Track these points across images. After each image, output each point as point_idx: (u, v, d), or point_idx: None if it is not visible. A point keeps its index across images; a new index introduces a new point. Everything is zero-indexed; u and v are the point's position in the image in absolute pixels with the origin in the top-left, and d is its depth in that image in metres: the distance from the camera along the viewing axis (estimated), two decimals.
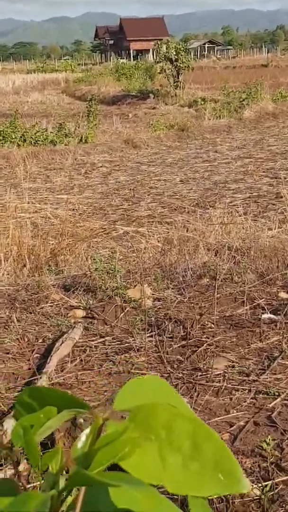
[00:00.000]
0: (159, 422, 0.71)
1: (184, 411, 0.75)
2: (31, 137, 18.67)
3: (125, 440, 0.68)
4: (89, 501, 0.77)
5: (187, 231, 8.25)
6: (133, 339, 5.09)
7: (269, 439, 3.53)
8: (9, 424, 3.58)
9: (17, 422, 0.75)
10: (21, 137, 18.68)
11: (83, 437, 0.72)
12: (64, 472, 0.72)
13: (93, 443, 0.71)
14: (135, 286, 6.03)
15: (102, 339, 5.15)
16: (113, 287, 5.93)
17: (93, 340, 5.15)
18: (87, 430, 0.72)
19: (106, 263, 6.27)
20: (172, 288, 6.12)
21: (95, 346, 5.06)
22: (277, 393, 4.23)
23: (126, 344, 5.01)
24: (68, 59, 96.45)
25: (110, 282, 6.02)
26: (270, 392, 4.24)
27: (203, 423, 0.71)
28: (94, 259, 6.38)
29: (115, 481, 0.63)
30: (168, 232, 8.51)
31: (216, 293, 5.46)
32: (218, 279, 5.81)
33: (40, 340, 5.20)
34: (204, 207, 11.11)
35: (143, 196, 12.50)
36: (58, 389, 0.77)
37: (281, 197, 11.60)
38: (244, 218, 9.27)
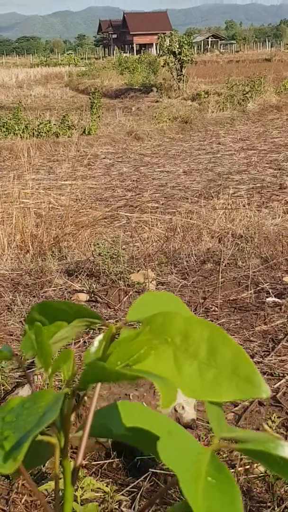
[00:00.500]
0: (175, 328, 0.69)
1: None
2: (34, 129, 18.65)
3: (140, 341, 0.66)
4: (99, 423, 0.75)
5: (190, 219, 8.22)
6: None
7: (274, 417, 3.52)
8: (24, 392, 3.56)
9: (27, 332, 0.73)
10: (24, 128, 18.66)
11: (96, 343, 0.70)
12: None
13: (106, 349, 0.69)
14: (138, 271, 6.01)
15: None
16: (117, 271, 5.92)
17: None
18: (100, 336, 0.70)
19: (109, 248, 6.25)
20: (175, 273, 6.10)
21: (98, 329, 5.04)
22: (281, 375, 4.21)
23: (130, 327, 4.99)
24: (72, 53, 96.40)
25: (114, 267, 6.00)
26: (275, 374, 4.22)
27: (220, 328, 0.69)
28: (97, 245, 6.37)
29: (135, 372, 0.60)
30: (172, 220, 8.49)
31: (220, 277, 5.44)
32: (222, 264, 5.79)
33: None
34: (207, 197, 11.08)
35: (146, 187, 12.47)
36: (70, 302, 0.75)
37: (285, 188, 11.57)
38: (248, 207, 9.25)
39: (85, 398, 0.70)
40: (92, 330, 4.86)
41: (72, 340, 4.64)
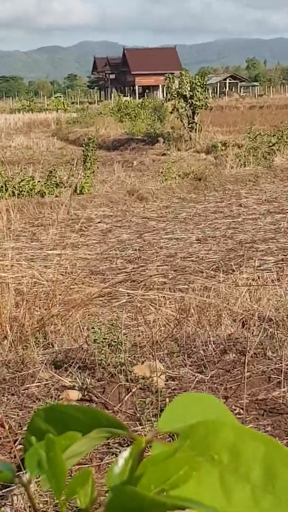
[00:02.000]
0: (222, 442, 0.67)
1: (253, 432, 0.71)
2: (15, 187, 18.87)
3: (179, 460, 0.64)
4: None
5: (206, 297, 8.22)
6: (142, 427, 5.00)
7: None
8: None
9: (34, 445, 0.71)
10: (2, 187, 18.90)
11: (121, 461, 0.68)
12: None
13: (135, 469, 0.67)
14: (143, 362, 5.98)
15: None
16: (116, 363, 5.88)
17: None
18: (125, 453, 0.68)
19: (107, 333, 6.23)
20: (190, 365, 6.06)
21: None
22: None
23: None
24: (60, 96, 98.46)
25: (113, 357, 5.97)
26: None
27: (279, 443, 0.67)
28: (92, 329, 6.35)
29: (177, 501, 0.58)
30: (184, 298, 8.49)
31: (245, 371, 5.40)
32: (247, 354, 5.76)
33: (25, 428, 5.11)
34: (227, 271, 11.12)
35: (152, 258, 12.53)
36: (84, 407, 0.73)
37: None
38: (278, 283, 9.27)
39: None
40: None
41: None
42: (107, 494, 0.62)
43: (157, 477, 0.64)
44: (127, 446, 3.92)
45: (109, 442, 4.86)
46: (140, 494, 0.59)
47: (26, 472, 0.73)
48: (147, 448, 0.71)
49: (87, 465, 4.58)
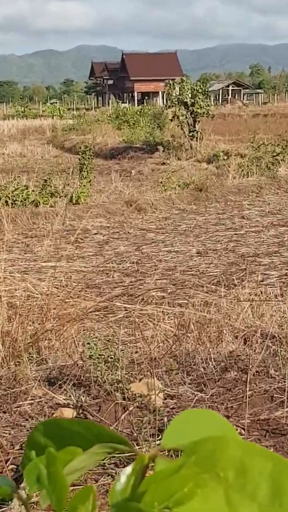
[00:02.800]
0: (228, 459, 0.68)
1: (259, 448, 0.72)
2: (8, 196, 18.89)
3: (184, 476, 0.65)
4: None
5: (207, 313, 8.23)
6: (139, 447, 5.00)
7: None
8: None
9: (33, 460, 0.72)
10: None
11: (123, 477, 0.69)
12: None
13: (137, 485, 0.68)
14: (140, 379, 5.98)
15: None
16: (113, 380, 5.88)
17: None
18: (127, 469, 0.69)
19: (103, 349, 6.23)
20: (189, 383, 6.06)
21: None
22: None
23: (130, 453, 4.92)
24: (56, 102, 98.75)
25: (109, 374, 5.97)
26: None
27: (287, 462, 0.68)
28: (88, 344, 6.35)
29: None
30: (183, 314, 8.49)
31: (247, 390, 5.40)
32: (249, 373, 5.76)
33: (17, 447, 5.11)
34: (228, 285, 11.13)
35: (150, 272, 12.54)
36: (86, 421, 0.74)
37: None
38: (282, 299, 9.28)
39: None
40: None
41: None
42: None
43: (160, 494, 0.65)
44: (123, 467, 3.95)
45: (104, 463, 4.85)
46: (144, 511, 0.60)
47: (21, 490, 0.74)
48: (150, 465, 0.71)
49: (81, 486, 4.57)
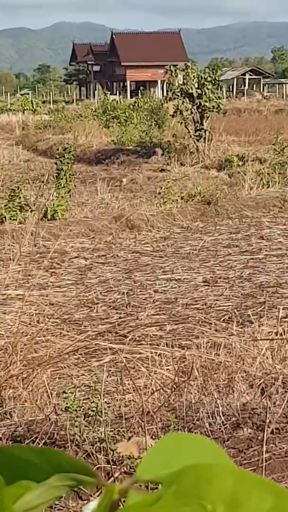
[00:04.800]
0: (217, 491, 0.69)
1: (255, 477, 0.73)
2: None
3: (161, 510, 0.66)
4: None
5: (215, 355, 8.23)
6: None
7: None
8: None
9: None
10: None
11: None
12: None
13: None
14: (129, 438, 5.97)
15: None
16: (94, 438, 5.87)
17: None
18: (93, 504, 0.70)
19: (83, 400, 6.23)
20: None
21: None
22: None
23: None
24: (28, 93, 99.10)
25: (89, 431, 5.96)
26: None
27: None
28: (63, 394, 6.35)
29: None
30: (185, 357, 8.49)
31: (264, 452, 5.40)
32: (266, 430, 5.76)
33: None
34: (242, 322, 11.15)
35: (144, 304, 12.55)
36: (40, 447, 0.75)
37: None
38: None
39: None
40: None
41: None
42: None
43: None
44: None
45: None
46: None
47: None
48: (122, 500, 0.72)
49: None
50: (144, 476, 0.74)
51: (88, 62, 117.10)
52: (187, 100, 32.17)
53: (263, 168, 24.91)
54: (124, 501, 0.72)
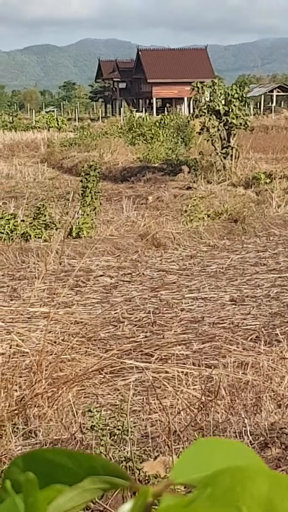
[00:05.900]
0: (251, 494, 0.69)
1: None
2: None
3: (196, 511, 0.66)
4: None
5: (242, 374, 8.22)
6: None
7: None
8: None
9: (11, 497, 0.73)
10: None
11: None
12: None
13: None
14: (156, 457, 5.96)
15: None
16: (120, 457, 5.86)
17: None
18: (126, 506, 0.70)
19: (109, 419, 6.23)
20: None
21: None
22: None
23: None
24: (53, 110, 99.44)
25: (115, 450, 5.96)
26: None
27: None
28: (89, 413, 6.34)
29: None
30: (212, 376, 8.48)
31: None
32: None
33: None
34: (270, 342, 11.13)
35: (170, 323, 12.54)
36: (74, 451, 0.76)
37: None
38: None
39: None
40: None
41: None
42: None
43: None
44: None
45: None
46: None
47: None
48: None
49: None
50: (178, 479, 0.74)
51: (114, 79, 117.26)
52: (214, 117, 32.19)
53: None
54: (157, 505, 0.73)
